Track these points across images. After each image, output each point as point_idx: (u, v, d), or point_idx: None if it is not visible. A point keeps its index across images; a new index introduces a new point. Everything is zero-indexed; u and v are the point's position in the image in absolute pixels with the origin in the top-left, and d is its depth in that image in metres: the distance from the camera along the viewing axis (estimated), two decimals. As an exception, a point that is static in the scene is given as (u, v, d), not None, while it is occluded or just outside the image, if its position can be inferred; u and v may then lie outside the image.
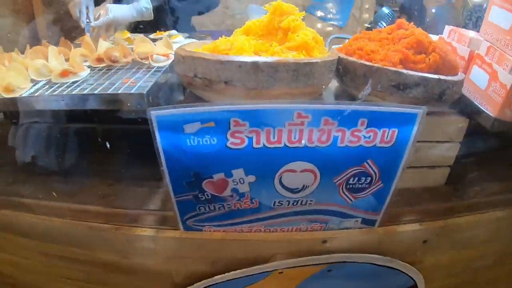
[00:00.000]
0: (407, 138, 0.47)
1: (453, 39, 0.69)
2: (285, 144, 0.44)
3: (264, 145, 0.44)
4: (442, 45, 0.58)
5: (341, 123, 0.44)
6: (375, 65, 0.52)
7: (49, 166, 0.67)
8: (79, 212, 0.57)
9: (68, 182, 0.64)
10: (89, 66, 0.66)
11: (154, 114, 0.40)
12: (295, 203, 0.50)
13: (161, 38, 0.94)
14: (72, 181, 0.64)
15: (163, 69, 0.63)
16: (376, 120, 0.45)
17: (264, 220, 0.51)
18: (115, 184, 0.61)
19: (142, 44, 0.66)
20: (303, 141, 0.44)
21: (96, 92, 0.53)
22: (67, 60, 0.68)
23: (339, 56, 0.55)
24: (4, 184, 0.67)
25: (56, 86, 0.59)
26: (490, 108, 0.60)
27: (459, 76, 0.58)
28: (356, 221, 0.54)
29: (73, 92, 0.54)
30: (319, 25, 2.03)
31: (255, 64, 0.45)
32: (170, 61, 0.63)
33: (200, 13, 1.28)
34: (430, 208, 0.61)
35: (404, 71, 0.52)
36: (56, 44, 1.17)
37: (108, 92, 0.51)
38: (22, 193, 0.64)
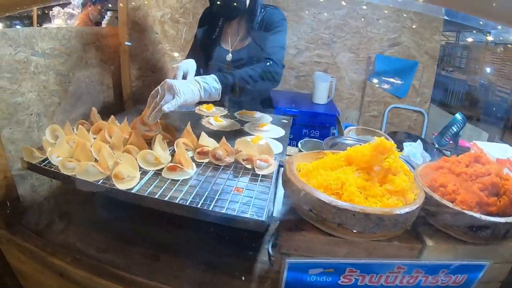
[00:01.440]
0: (474, 279, 0.72)
1: (522, 165, 0.92)
2: (381, 284, 0.68)
3: (366, 283, 0.68)
4: (512, 186, 0.81)
5: (426, 272, 0.68)
6: (456, 208, 0.76)
7: (143, 240, 0.89)
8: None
9: (161, 259, 0.87)
10: (191, 157, 0.87)
11: (288, 262, 0.64)
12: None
13: (248, 122, 1.19)
14: (166, 260, 0.87)
15: (270, 181, 0.82)
16: (453, 270, 0.69)
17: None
18: (208, 270, 0.84)
19: (245, 147, 0.87)
20: (395, 283, 0.68)
21: (213, 208, 0.74)
22: (169, 144, 0.87)
23: (425, 192, 0.78)
24: (97, 250, 0.89)
25: (167, 183, 0.80)
26: (543, 237, 0.85)
27: (523, 213, 0.82)
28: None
29: (188, 202, 0.75)
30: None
31: (366, 215, 0.68)
32: (271, 168, 0.84)
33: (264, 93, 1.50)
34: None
35: (478, 215, 0.75)
36: (141, 95, 1.37)
37: (227, 212, 0.72)
38: (117, 264, 0.86)
